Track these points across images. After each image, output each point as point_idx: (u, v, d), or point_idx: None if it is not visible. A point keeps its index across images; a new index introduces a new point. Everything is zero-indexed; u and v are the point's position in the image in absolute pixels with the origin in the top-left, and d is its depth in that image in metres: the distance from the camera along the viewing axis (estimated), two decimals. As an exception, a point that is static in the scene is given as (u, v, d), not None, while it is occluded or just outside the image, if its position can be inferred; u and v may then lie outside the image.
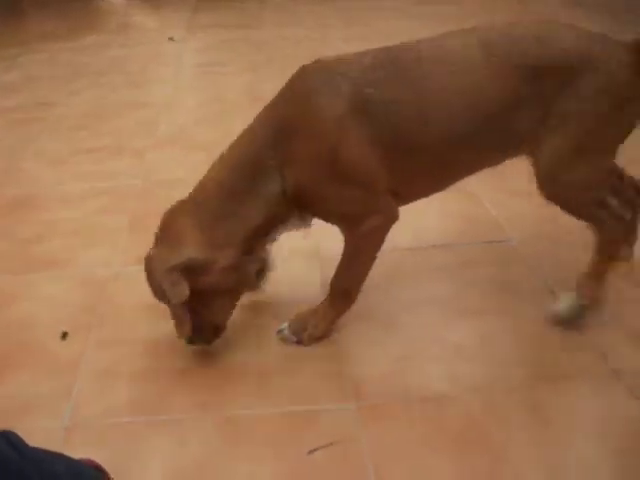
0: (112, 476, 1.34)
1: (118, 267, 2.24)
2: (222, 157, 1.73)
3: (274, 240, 1.80)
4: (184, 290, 1.62)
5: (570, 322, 1.83)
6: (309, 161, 1.63)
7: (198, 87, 4.01)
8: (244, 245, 1.68)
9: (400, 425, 1.58)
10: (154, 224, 1.72)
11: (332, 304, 1.84)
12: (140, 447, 1.56)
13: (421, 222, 2.18)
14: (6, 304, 2.10)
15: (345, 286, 1.83)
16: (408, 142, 1.65)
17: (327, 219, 1.77)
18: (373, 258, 1.79)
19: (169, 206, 1.72)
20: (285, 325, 1.85)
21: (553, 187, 1.76)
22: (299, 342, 1.83)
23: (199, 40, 4.76)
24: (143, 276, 1.71)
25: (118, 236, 2.42)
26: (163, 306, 1.71)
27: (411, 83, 1.63)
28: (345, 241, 1.76)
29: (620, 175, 1.94)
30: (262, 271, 1.91)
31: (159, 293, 1.67)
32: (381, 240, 1.77)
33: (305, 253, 2.23)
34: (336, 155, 1.61)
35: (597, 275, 1.83)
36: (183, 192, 1.75)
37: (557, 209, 2.22)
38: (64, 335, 1.90)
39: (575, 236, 2.02)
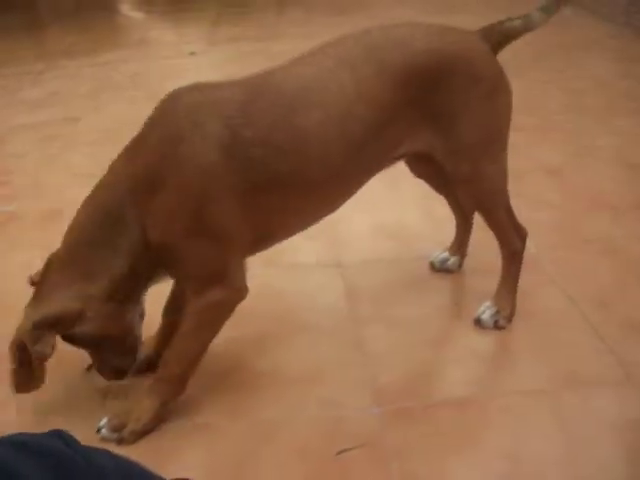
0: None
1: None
2: (84, 204, 1.60)
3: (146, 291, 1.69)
4: (47, 346, 1.53)
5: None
6: (168, 214, 1.50)
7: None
8: (115, 296, 1.57)
9: (423, 428, 1.61)
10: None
11: (158, 391, 1.63)
12: (171, 451, 1.60)
13: (444, 232, 2.21)
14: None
15: (175, 370, 1.63)
16: (286, 181, 1.56)
17: (176, 277, 1.67)
18: (209, 338, 1.64)
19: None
20: (104, 422, 1.64)
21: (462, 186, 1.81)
22: (120, 441, 1.61)
23: (218, 54, 4.81)
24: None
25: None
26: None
27: (282, 119, 1.53)
28: (186, 313, 1.60)
29: None
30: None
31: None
32: (224, 317, 1.62)
33: (326, 263, 2.27)
34: (198, 209, 1.49)
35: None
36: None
37: (576, 216, 2.27)
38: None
39: (594, 244, 2.05)
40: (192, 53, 4.81)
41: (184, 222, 1.51)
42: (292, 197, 1.60)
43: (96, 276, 1.55)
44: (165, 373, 1.63)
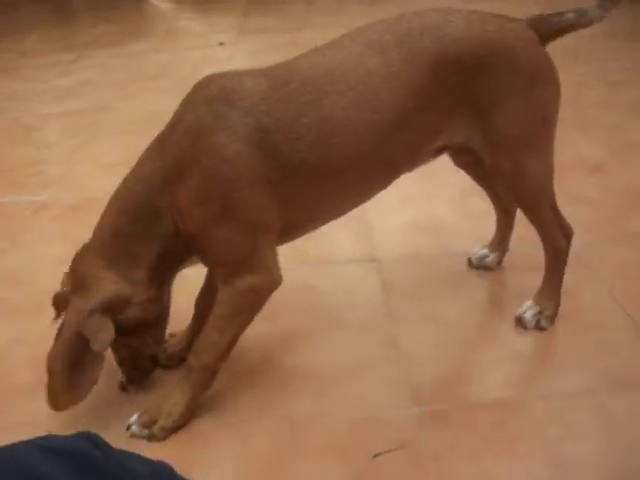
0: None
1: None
2: (117, 195, 1.62)
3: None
4: (109, 332, 1.52)
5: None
6: (197, 204, 1.51)
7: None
8: (154, 280, 1.59)
9: (461, 430, 1.57)
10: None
11: (188, 384, 1.61)
12: (205, 448, 1.57)
13: (482, 227, 2.16)
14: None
15: (206, 359, 1.59)
16: (313, 170, 1.55)
17: (209, 264, 1.66)
18: (241, 327, 1.60)
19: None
20: (134, 418, 1.62)
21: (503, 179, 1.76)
22: (150, 438, 1.59)
23: (248, 44, 4.78)
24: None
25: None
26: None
27: (308, 107, 1.52)
28: (217, 301, 1.59)
29: None
30: None
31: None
32: (257, 305, 1.60)
33: (361, 258, 2.22)
34: (226, 197, 1.50)
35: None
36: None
37: (620, 213, 2.20)
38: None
39: (638, 241, 1.99)
40: (222, 43, 4.78)
41: (212, 211, 1.51)
42: (320, 186, 1.59)
43: (137, 262, 1.57)
44: (196, 363, 1.60)
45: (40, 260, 2.37)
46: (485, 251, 2.10)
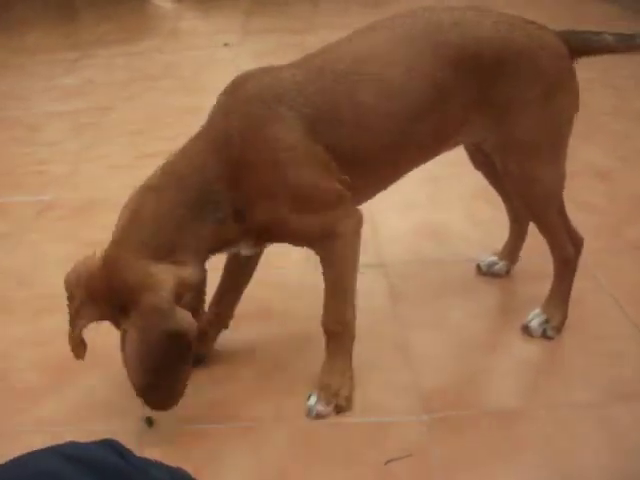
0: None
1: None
2: (148, 195, 1.58)
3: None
4: (191, 318, 1.48)
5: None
6: (266, 194, 1.54)
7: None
8: (202, 267, 1.59)
9: (472, 438, 1.56)
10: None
11: (339, 350, 1.68)
12: (217, 454, 1.57)
13: (489, 234, 2.16)
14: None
15: (340, 317, 1.66)
16: (352, 153, 1.59)
17: (300, 244, 1.69)
18: (356, 268, 1.66)
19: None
20: (313, 401, 1.66)
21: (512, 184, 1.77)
22: (339, 410, 1.65)
23: (252, 45, 4.77)
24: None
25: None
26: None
27: (343, 97, 1.57)
28: (323, 264, 1.64)
29: None
30: None
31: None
32: (358, 244, 1.65)
33: (369, 262, 2.20)
34: (297, 184, 1.54)
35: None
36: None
37: (626, 221, 2.19)
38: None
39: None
40: (226, 44, 4.77)
41: (285, 200, 1.54)
42: (359, 169, 1.61)
43: (186, 251, 1.53)
44: (335, 328, 1.65)
45: (45, 260, 2.35)
46: (494, 258, 2.10)
